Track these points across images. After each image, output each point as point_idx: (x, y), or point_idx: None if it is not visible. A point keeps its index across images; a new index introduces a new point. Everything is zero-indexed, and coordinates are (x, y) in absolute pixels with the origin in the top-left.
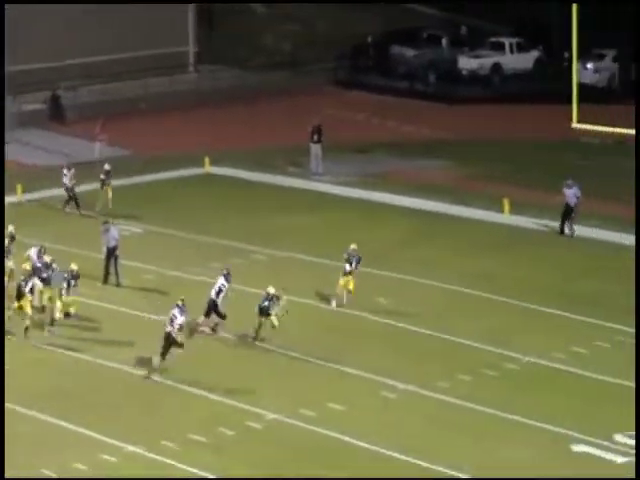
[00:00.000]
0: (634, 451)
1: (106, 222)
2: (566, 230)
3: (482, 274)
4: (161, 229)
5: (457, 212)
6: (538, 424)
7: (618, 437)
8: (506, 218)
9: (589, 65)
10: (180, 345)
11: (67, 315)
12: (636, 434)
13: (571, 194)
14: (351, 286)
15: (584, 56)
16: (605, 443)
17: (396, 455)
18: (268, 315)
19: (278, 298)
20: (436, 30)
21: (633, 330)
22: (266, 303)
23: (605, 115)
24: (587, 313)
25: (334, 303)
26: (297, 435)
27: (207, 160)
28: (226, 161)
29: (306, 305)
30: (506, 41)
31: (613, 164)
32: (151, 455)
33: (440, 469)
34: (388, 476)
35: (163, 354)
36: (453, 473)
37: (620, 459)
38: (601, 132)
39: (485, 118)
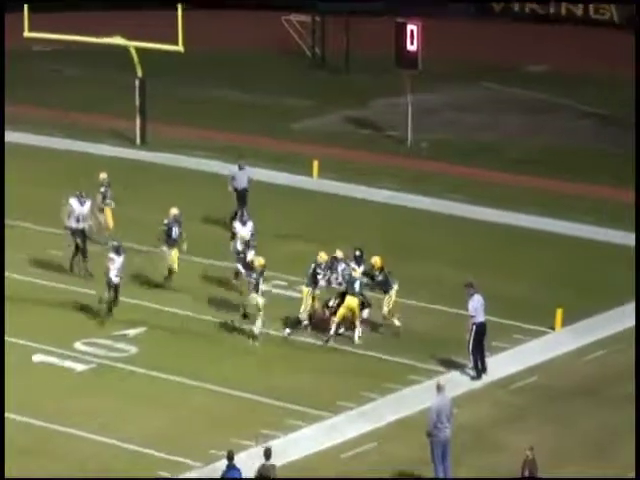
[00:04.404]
0: (94, 359)
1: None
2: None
3: None
4: None
5: None
6: None
7: (78, 345)
8: None
9: None
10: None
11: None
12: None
13: (244, 176)
14: None
15: None
16: (65, 352)
17: None
18: None
19: None
20: None
21: None
22: None
23: (59, 23)
24: None
25: None
26: None
27: None
28: None
29: None
30: None
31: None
32: None
33: None
34: None
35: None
36: None
37: (80, 367)
38: (52, 40)
39: None
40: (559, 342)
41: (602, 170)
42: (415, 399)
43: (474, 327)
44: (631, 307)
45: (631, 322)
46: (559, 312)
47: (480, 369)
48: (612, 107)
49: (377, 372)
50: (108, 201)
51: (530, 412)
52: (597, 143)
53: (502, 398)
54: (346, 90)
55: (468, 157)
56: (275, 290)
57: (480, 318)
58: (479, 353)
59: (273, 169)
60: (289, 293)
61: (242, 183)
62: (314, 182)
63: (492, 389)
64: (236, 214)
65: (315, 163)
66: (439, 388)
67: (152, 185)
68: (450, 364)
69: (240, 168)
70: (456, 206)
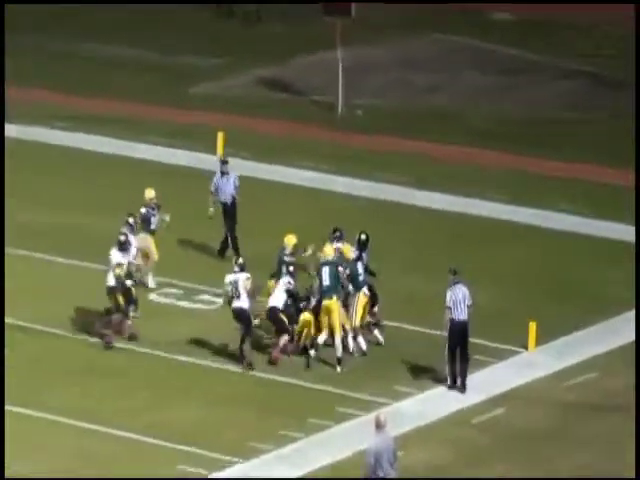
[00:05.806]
0: None
1: None
2: None
3: None
4: None
5: None
6: None
7: None
8: None
9: None
10: None
11: None
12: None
13: (229, 183)
14: None
15: None
16: None
17: None
18: None
19: None
20: None
21: None
22: None
23: None
24: None
25: None
26: None
27: None
28: None
29: None
30: None
31: None
32: None
33: None
34: None
35: None
36: None
37: None
38: None
39: None
40: (532, 364)
41: (590, 144)
42: (348, 438)
43: (449, 324)
44: (625, 318)
45: (624, 339)
46: (532, 326)
47: (456, 382)
48: (600, 64)
49: (300, 404)
50: (153, 227)
51: (495, 453)
52: (583, 110)
53: (461, 435)
54: (259, 44)
55: (417, 128)
56: (166, 300)
57: (460, 315)
58: (458, 361)
59: (167, 145)
60: (184, 303)
61: (226, 194)
62: (218, 160)
63: (448, 425)
64: (225, 242)
65: (219, 136)
66: (379, 425)
67: (10, 169)
68: (393, 393)
69: (223, 173)
70: (401, 191)
